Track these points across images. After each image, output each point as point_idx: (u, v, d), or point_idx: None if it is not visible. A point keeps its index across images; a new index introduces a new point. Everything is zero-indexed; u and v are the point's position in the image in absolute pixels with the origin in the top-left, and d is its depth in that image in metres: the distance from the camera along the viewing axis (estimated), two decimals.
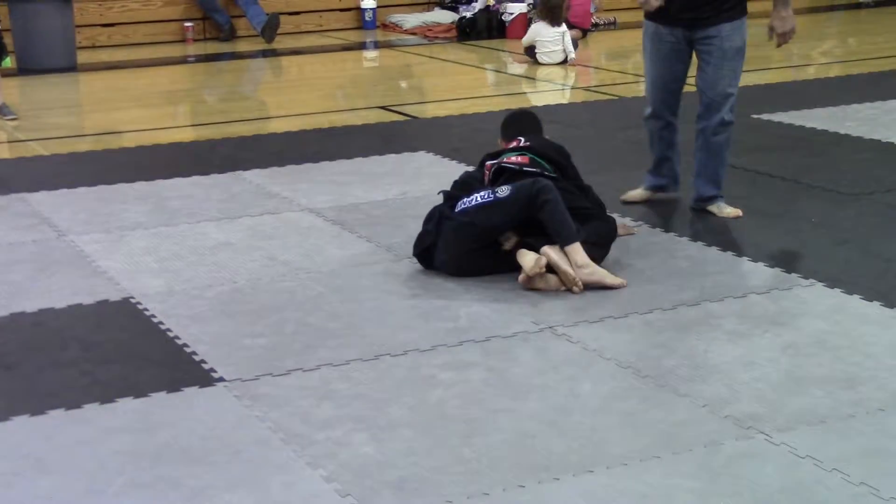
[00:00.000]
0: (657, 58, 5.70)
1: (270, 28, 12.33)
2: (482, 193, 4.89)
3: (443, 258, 4.88)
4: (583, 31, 12.29)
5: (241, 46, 12.44)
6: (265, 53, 12.11)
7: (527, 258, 4.69)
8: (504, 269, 4.81)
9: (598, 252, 4.85)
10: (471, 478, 3.28)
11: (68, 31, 11.04)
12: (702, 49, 5.56)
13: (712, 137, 5.67)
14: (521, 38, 12.05)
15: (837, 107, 8.31)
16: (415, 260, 5.09)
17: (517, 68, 10.97)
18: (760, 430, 3.52)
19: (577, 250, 4.72)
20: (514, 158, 5.09)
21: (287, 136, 7.85)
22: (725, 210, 5.71)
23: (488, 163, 5.15)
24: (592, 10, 12.62)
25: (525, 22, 12.31)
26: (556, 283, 4.68)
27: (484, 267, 4.85)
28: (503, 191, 4.85)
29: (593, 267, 4.70)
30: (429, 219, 5.03)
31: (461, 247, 4.83)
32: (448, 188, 5.22)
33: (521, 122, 5.57)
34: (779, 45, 5.55)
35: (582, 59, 10.97)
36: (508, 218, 4.80)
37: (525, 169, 5.02)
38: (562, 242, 4.72)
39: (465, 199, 4.93)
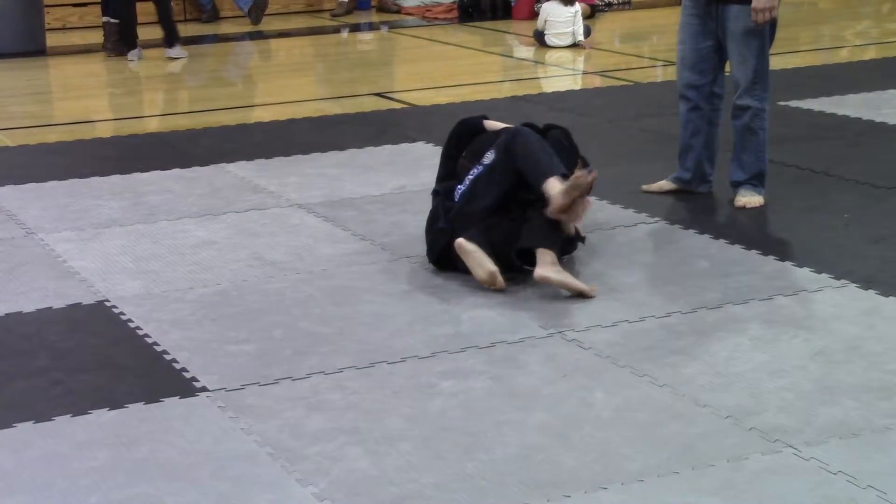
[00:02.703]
0: (684, 32, 5.87)
1: (257, 9, 12.36)
2: (472, 170, 4.97)
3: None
4: (591, 7, 12.32)
5: (225, 28, 12.46)
6: (251, 36, 12.13)
7: (480, 270, 4.72)
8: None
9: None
10: (474, 495, 3.29)
11: (36, 11, 11.04)
12: (718, 28, 5.73)
13: (732, 120, 5.83)
14: (528, 18, 12.11)
15: (873, 92, 8.32)
16: (413, 259, 5.10)
17: (523, 52, 10.99)
18: (788, 443, 3.53)
19: (552, 185, 4.74)
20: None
21: (275, 126, 7.86)
22: (739, 200, 5.78)
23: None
24: None
25: (531, 2, 12.34)
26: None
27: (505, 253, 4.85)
28: (488, 157, 4.96)
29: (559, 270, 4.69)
30: (433, 220, 5.03)
31: (482, 227, 4.83)
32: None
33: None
34: (755, 22, 5.58)
35: (594, 41, 10.98)
36: (505, 179, 4.87)
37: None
38: (538, 178, 4.78)
39: (458, 186, 4.97)
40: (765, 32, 5.67)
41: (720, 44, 5.76)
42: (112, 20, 10.60)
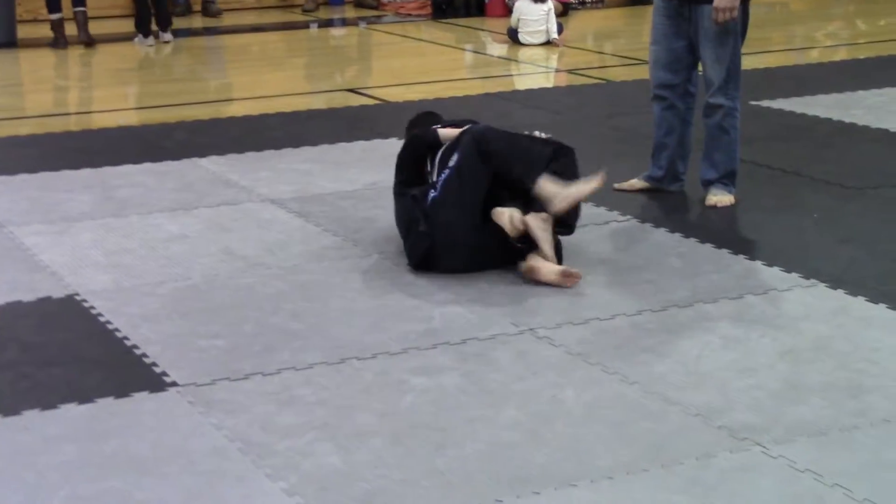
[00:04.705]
0: (656, 33, 5.90)
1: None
2: (442, 175, 4.93)
3: (449, 256, 4.85)
4: (563, 5, 12.34)
5: (198, 22, 12.42)
6: (224, 30, 12.09)
7: (504, 216, 4.77)
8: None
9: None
10: (444, 491, 3.29)
11: (8, 2, 10.99)
12: (691, 28, 5.75)
13: (704, 119, 5.86)
14: (501, 16, 12.11)
15: (843, 93, 8.36)
16: (385, 255, 5.10)
17: (496, 49, 11.00)
18: (757, 441, 3.54)
19: (546, 183, 4.79)
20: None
21: (247, 121, 7.84)
22: (710, 199, 5.81)
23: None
24: None
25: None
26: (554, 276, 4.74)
27: (497, 252, 4.87)
28: (454, 159, 4.92)
29: (567, 191, 4.78)
30: (411, 222, 4.97)
31: (464, 232, 4.82)
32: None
33: (429, 119, 5.61)
34: (716, 22, 5.60)
35: (567, 38, 10.99)
36: (475, 181, 4.85)
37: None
38: (531, 178, 4.81)
39: (431, 192, 4.94)
40: (738, 31, 5.70)
41: (692, 44, 5.78)
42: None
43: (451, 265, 4.85)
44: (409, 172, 5.21)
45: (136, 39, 11.00)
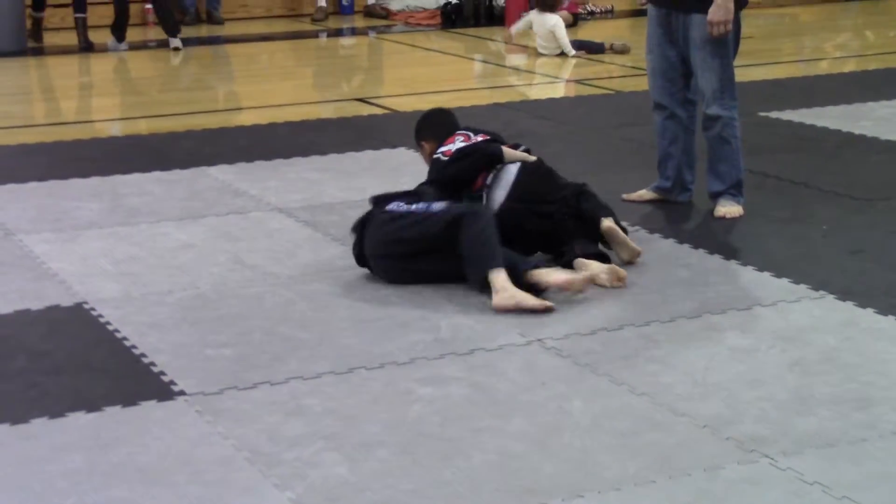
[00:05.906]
0: (651, 42, 5.91)
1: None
2: (421, 204, 4.93)
3: (372, 264, 4.94)
4: (573, 16, 12.35)
5: (207, 31, 12.44)
6: (233, 39, 12.12)
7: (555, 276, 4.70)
8: (447, 279, 4.81)
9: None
10: (451, 502, 3.28)
11: (17, 11, 11.02)
12: (680, 38, 5.75)
13: (703, 132, 5.85)
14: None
15: (852, 105, 8.36)
16: None
17: (505, 59, 11.00)
18: (765, 453, 3.54)
19: (497, 278, 4.62)
20: (476, 138, 5.28)
21: (256, 130, 7.85)
22: (719, 210, 5.80)
23: (444, 149, 5.24)
24: None
25: (520, 9, 12.33)
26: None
27: (420, 274, 4.85)
28: (438, 205, 4.90)
29: (512, 291, 4.59)
30: (360, 222, 5.05)
31: (378, 249, 4.88)
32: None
33: (447, 117, 5.60)
34: (711, 35, 5.60)
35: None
36: (424, 235, 4.79)
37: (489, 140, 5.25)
38: (477, 270, 4.66)
39: (399, 202, 4.97)
40: (728, 40, 5.66)
41: (682, 52, 5.77)
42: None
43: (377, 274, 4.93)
44: (466, 178, 5.17)
45: (109, 43, 11.08)
